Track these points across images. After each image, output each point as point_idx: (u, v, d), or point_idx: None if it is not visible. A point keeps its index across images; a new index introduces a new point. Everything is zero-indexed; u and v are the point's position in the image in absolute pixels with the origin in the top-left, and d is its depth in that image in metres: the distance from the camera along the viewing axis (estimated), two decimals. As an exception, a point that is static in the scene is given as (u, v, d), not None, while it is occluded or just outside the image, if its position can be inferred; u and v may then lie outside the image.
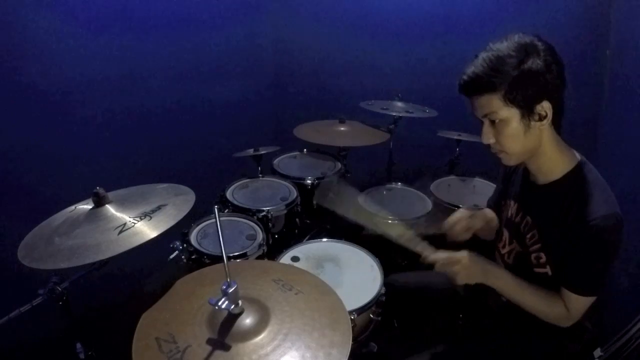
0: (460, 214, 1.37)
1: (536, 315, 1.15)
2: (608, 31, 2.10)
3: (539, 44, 1.01)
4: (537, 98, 1.02)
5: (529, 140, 1.06)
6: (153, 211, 1.19)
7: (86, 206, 1.24)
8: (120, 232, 1.11)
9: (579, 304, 1.10)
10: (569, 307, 1.11)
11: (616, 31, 2.06)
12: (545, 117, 1.03)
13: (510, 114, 1.03)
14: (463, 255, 1.17)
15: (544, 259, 1.14)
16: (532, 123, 1.04)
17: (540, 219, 1.16)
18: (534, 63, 0.99)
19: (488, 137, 1.09)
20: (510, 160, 1.13)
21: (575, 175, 1.09)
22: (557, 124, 1.09)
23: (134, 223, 1.14)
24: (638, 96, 1.76)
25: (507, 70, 0.99)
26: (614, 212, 1.02)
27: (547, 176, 1.14)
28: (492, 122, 1.07)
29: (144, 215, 1.17)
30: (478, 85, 1.04)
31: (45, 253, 1.08)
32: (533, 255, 1.17)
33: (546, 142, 1.09)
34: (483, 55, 1.03)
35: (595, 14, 2.15)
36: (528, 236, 1.18)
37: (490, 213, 1.47)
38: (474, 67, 1.03)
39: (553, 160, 1.11)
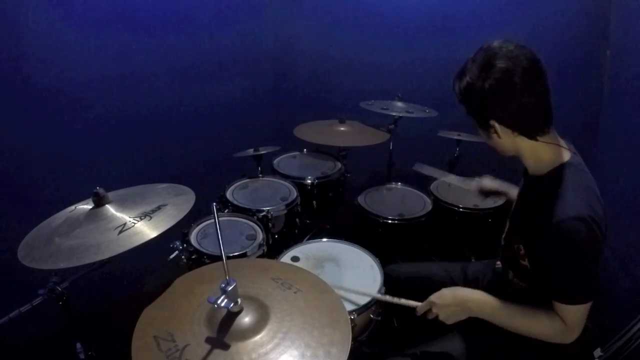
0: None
1: (536, 337, 1.13)
2: (608, 31, 2.10)
3: (500, 64, 1.01)
4: (485, 116, 1.09)
5: (498, 143, 1.13)
6: (153, 211, 1.19)
7: (86, 206, 1.24)
8: (120, 232, 1.11)
9: (574, 314, 1.07)
10: (566, 320, 1.08)
11: (616, 31, 2.06)
12: (498, 132, 1.09)
13: (473, 122, 1.14)
14: (434, 297, 1.23)
15: (522, 250, 1.17)
16: (491, 135, 1.12)
17: (522, 209, 1.21)
18: (479, 85, 1.03)
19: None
20: (500, 154, 1.19)
21: (555, 175, 1.10)
22: (529, 136, 1.09)
23: (134, 223, 1.14)
24: (638, 96, 1.76)
25: (457, 89, 1.10)
26: (583, 215, 1.00)
27: (535, 172, 1.18)
28: None
29: (144, 215, 1.17)
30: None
31: (45, 253, 1.08)
32: (515, 246, 1.20)
33: (521, 147, 1.13)
34: (466, 61, 1.10)
35: (595, 14, 2.15)
36: (515, 226, 1.24)
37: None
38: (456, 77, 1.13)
39: (535, 161, 1.15)
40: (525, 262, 1.17)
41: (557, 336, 1.11)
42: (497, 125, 1.07)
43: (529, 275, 1.18)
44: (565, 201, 1.03)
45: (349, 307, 1.31)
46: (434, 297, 1.23)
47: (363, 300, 1.36)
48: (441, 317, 1.22)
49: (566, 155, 1.13)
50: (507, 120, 1.07)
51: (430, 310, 1.24)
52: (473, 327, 1.31)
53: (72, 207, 1.27)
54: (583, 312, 1.07)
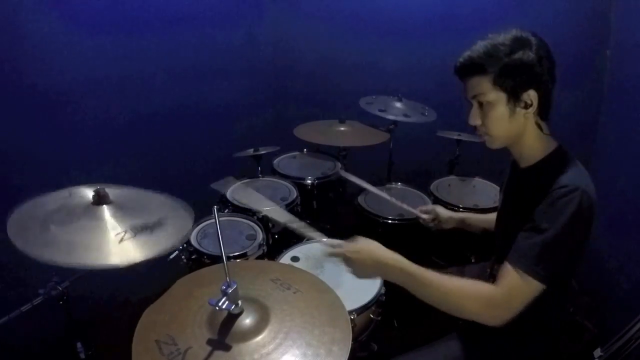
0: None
1: (454, 308, 1.05)
2: (608, 31, 2.10)
3: (533, 39, 1.07)
4: (524, 86, 1.07)
5: (513, 125, 1.11)
6: (152, 225, 1.16)
7: (83, 192, 1.21)
8: (122, 240, 1.08)
9: (515, 284, 0.98)
10: (502, 285, 1.00)
11: (616, 31, 2.06)
12: (531, 105, 1.08)
13: (497, 97, 1.09)
14: (351, 251, 1.13)
15: None
16: (518, 109, 1.09)
17: (518, 199, 1.19)
18: (525, 54, 1.05)
19: (475, 118, 1.15)
20: (494, 144, 1.17)
21: (553, 157, 1.13)
22: (543, 117, 1.14)
23: (134, 234, 1.11)
24: (638, 96, 1.76)
25: (499, 55, 1.06)
26: (583, 188, 1.01)
27: (527, 162, 1.18)
28: (480, 105, 1.13)
29: (144, 228, 1.14)
30: (471, 67, 1.10)
31: (40, 239, 1.04)
32: (513, 240, 1.18)
33: (529, 131, 1.13)
34: (480, 42, 1.11)
35: (595, 14, 2.15)
36: (509, 221, 1.22)
37: (490, 216, 1.51)
38: (470, 51, 1.11)
39: (534, 148, 1.16)
40: None
41: (480, 307, 1.01)
42: (533, 93, 1.07)
43: None
44: (566, 175, 1.05)
45: (349, 306, 1.31)
46: (351, 252, 1.12)
47: (373, 292, 1.37)
48: (354, 273, 1.14)
49: (556, 143, 1.17)
50: (546, 91, 1.08)
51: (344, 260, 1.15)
52: (472, 329, 1.31)
53: (67, 194, 1.22)
54: (525, 289, 0.99)
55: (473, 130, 1.20)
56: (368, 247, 1.15)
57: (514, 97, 1.08)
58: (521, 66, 1.05)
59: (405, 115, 2.17)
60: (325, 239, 1.22)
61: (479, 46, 1.09)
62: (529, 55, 1.05)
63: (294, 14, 2.75)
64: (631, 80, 1.84)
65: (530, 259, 0.99)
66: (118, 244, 1.07)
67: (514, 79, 1.06)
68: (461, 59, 1.12)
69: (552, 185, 1.04)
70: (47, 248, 1.02)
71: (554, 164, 1.11)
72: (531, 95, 1.07)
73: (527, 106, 1.09)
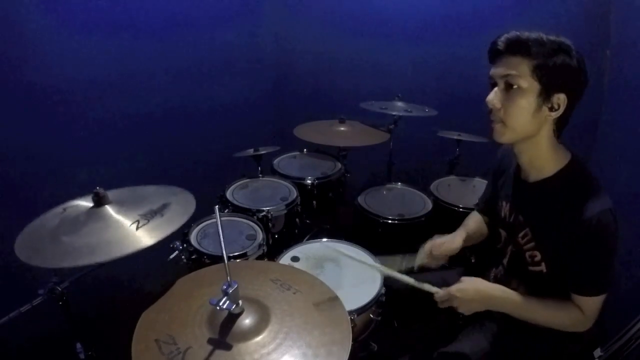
0: (429, 245, 1.43)
1: (554, 327, 1.16)
2: (608, 31, 2.10)
3: (577, 53, 1.06)
4: (559, 87, 1.04)
5: (533, 122, 1.07)
6: (160, 209, 1.20)
7: (81, 203, 1.23)
8: (138, 227, 1.11)
9: (593, 305, 1.11)
10: (584, 311, 1.11)
11: (616, 31, 2.06)
12: (557, 109, 1.06)
13: (530, 86, 1.04)
14: (456, 289, 1.21)
15: (538, 257, 1.16)
16: (544, 108, 1.06)
17: (533, 217, 1.17)
18: (570, 59, 1.03)
19: (497, 100, 1.08)
20: (504, 135, 1.11)
21: (567, 173, 1.11)
22: (559, 128, 1.12)
23: (147, 220, 1.14)
24: (638, 96, 1.76)
25: (547, 46, 1.03)
26: (609, 208, 1.03)
27: (538, 173, 1.15)
28: (508, 88, 1.07)
29: (153, 213, 1.18)
30: (516, 44, 1.05)
31: (56, 251, 1.06)
32: (527, 254, 1.18)
33: (543, 135, 1.10)
34: (533, 39, 1.05)
35: (595, 14, 2.15)
36: (520, 235, 1.20)
37: (473, 222, 1.50)
38: (518, 31, 1.06)
39: (545, 156, 1.13)
40: (540, 267, 1.16)
41: (576, 326, 1.15)
42: (563, 97, 1.05)
43: (539, 281, 1.17)
44: (590, 197, 1.05)
45: (349, 307, 1.30)
46: (456, 291, 1.21)
47: (373, 292, 1.38)
48: (460, 310, 1.22)
49: (569, 153, 1.14)
50: (574, 103, 1.07)
51: (448, 300, 1.23)
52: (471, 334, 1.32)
53: (60, 210, 1.24)
54: (601, 302, 1.11)
55: (488, 113, 1.12)
56: (473, 284, 1.22)
57: (546, 92, 1.04)
58: (565, 67, 1.03)
59: (407, 111, 2.17)
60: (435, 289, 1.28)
61: (529, 31, 1.05)
62: (573, 62, 1.04)
63: (294, 14, 2.75)
64: (631, 80, 1.84)
65: (601, 284, 1.10)
66: (136, 231, 1.10)
67: (553, 75, 1.03)
68: (506, 35, 1.06)
69: (580, 210, 1.03)
70: (67, 256, 1.04)
71: (571, 182, 1.09)
72: (561, 99, 1.05)
73: (552, 109, 1.06)
